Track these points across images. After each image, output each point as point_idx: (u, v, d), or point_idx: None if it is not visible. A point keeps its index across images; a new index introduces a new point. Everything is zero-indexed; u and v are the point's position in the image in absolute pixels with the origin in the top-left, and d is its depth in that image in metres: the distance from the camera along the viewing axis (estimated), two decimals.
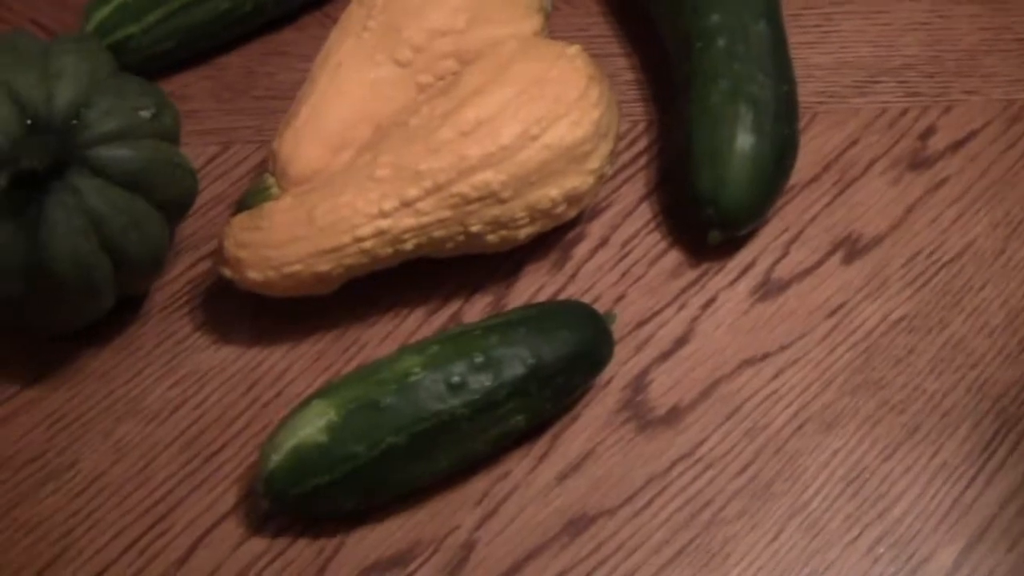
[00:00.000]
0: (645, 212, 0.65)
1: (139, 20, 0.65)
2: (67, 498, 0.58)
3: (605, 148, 0.60)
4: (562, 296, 0.63)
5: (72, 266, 0.55)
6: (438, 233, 0.58)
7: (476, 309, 0.62)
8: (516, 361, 0.56)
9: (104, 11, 0.65)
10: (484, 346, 0.56)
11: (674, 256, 0.64)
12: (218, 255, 0.59)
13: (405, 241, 0.58)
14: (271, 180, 0.60)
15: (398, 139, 0.58)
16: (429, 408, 0.54)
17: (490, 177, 0.57)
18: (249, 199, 0.60)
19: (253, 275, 0.58)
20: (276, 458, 0.55)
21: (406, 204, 0.57)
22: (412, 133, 0.58)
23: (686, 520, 0.56)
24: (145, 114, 0.56)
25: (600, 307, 0.61)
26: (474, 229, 0.58)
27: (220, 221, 0.64)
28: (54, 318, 0.58)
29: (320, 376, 0.61)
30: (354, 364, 0.61)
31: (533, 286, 0.63)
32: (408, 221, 0.57)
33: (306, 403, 0.56)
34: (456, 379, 0.55)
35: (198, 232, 0.64)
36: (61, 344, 0.61)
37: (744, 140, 0.61)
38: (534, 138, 0.57)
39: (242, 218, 0.59)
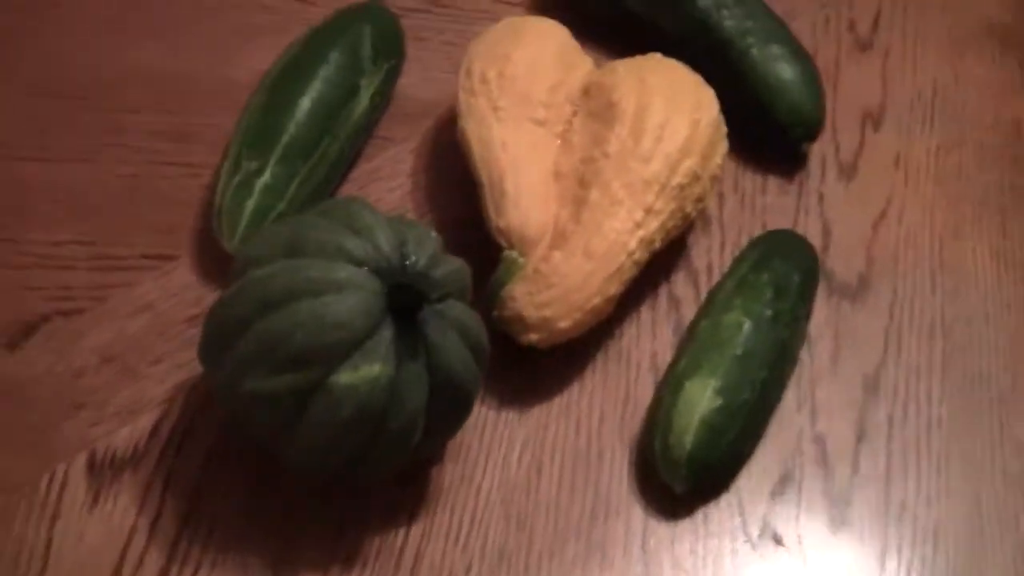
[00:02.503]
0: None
1: (283, 196, 0.71)
2: None
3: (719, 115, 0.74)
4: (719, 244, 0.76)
5: (468, 375, 0.61)
6: (671, 223, 0.69)
7: (681, 279, 0.74)
8: (793, 279, 0.69)
9: (254, 200, 0.70)
10: (767, 281, 0.69)
11: (768, 179, 0.79)
12: (517, 327, 0.67)
13: (655, 241, 0.69)
14: (513, 253, 0.68)
15: (612, 168, 0.68)
16: (779, 307, 0.67)
17: (690, 163, 0.69)
18: (504, 277, 0.68)
19: (563, 324, 0.67)
20: (689, 438, 0.64)
21: (648, 210, 0.68)
22: (620, 158, 0.69)
23: None
24: (435, 235, 0.63)
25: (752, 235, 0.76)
26: (688, 210, 0.70)
27: None
28: (432, 444, 0.64)
29: (619, 391, 0.70)
30: (645, 370, 0.71)
31: (702, 248, 0.76)
32: (654, 223, 0.68)
33: (678, 388, 0.66)
34: (769, 312, 0.68)
35: None
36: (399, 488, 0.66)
37: (792, 70, 0.77)
38: (698, 121, 0.70)
39: (522, 288, 0.67)
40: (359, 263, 0.60)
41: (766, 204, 0.78)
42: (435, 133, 0.79)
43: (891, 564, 0.66)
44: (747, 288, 0.69)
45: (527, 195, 0.69)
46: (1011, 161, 0.81)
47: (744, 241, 0.76)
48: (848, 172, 0.80)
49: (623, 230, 0.67)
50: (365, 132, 0.76)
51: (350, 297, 0.59)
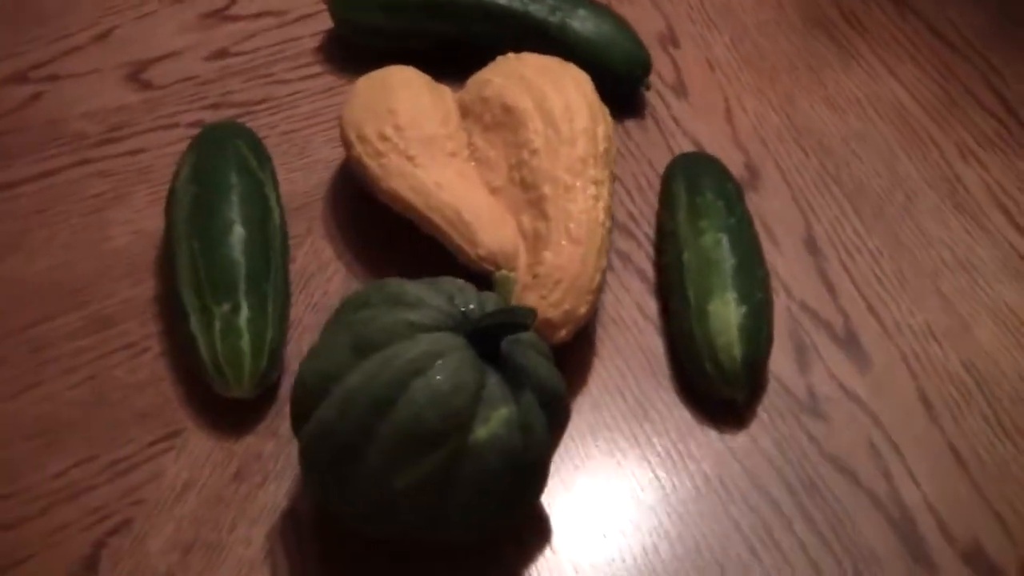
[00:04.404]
0: None
1: (267, 323, 0.70)
2: None
3: None
4: (627, 195, 0.83)
5: (558, 383, 0.65)
6: (611, 186, 0.75)
7: (617, 237, 0.80)
8: (727, 186, 0.77)
9: (246, 337, 0.69)
10: (712, 197, 0.76)
11: (626, 125, 0.86)
12: (546, 331, 0.70)
13: (611, 206, 0.74)
14: (504, 272, 0.72)
15: (547, 161, 0.73)
16: (736, 213, 0.76)
17: (602, 128, 0.75)
18: (506, 295, 0.71)
19: (583, 310, 0.71)
20: (737, 349, 0.71)
21: (596, 182, 0.73)
22: (549, 150, 0.73)
23: None
24: (462, 281, 0.66)
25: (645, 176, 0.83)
26: (614, 170, 0.76)
27: None
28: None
29: (632, 348, 0.75)
30: (642, 322, 0.77)
31: (615, 204, 0.82)
32: (604, 191, 0.74)
33: (703, 315, 0.72)
34: (732, 220, 0.75)
35: None
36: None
37: (607, 24, 0.85)
38: (586, 93, 0.76)
39: (532, 296, 0.70)
40: (432, 330, 0.62)
41: (638, 146, 0.85)
42: (332, 215, 0.81)
43: (917, 368, 0.75)
44: (701, 210, 0.76)
45: (487, 217, 0.73)
46: (788, 29, 0.93)
47: (643, 184, 0.83)
48: (681, 90, 0.88)
49: (589, 207, 0.72)
50: (285, 236, 0.77)
51: (451, 360, 0.61)
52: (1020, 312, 0.78)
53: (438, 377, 0.60)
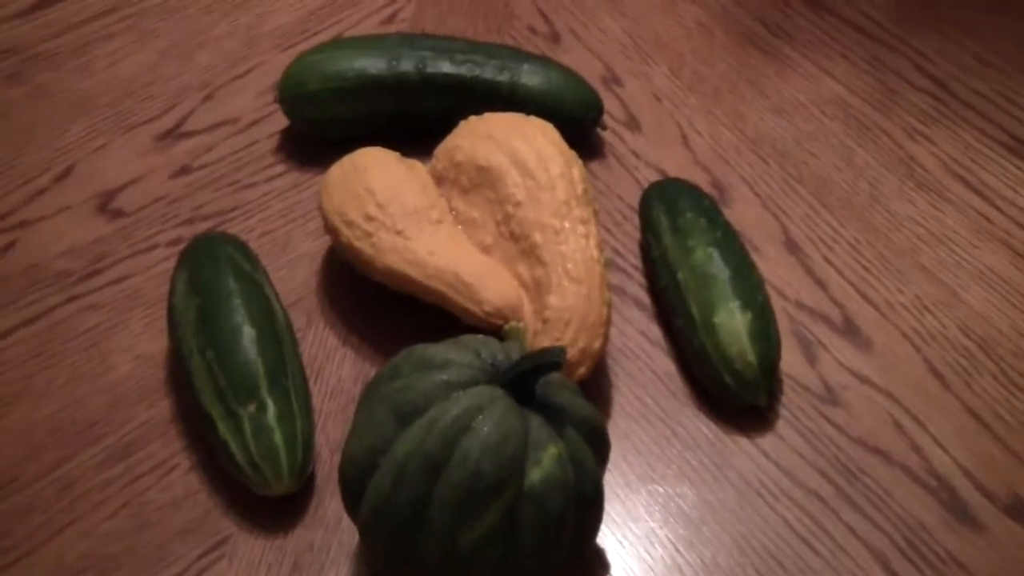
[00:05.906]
0: None
1: (294, 415, 0.71)
2: None
3: None
4: (606, 231, 0.85)
5: (595, 415, 0.66)
6: (596, 223, 0.77)
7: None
8: (704, 203, 0.80)
9: (279, 433, 0.70)
10: (693, 216, 0.79)
11: (590, 167, 0.89)
12: (568, 371, 0.72)
13: (600, 241, 0.76)
14: (513, 323, 0.73)
15: (532, 210, 0.75)
16: (720, 227, 0.79)
17: (576, 169, 0.77)
18: (522, 344, 0.73)
19: (597, 345, 0.73)
20: (751, 356, 0.73)
21: (582, 221, 0.75)
22: (532, 199, 0.75)
23: None
24: (480, 336, 0.68)
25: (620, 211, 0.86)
26: (595, 207, 0.78)
27: None
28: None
29: (647, 376, 0.77)
30: (650, 348, 0.78)
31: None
32: (592, 228, 0.76)
33: (711, 328, 0.74)
34: (719, 233, 0.77)
35: None
36: None
37: (556, 74, 0.87)
38: (554, 140, 0.78)
39: (546, 341, 0.72)
40: (468, 386, 0.63)
41: (606, 184, 0.88)
42: (328, 303, 0.82)
43: (919, 342, 0.78)
44: (686, 231, 0.78)
45: (486, 275, 0.75)
46: (721, 50, 0.96)
47: (618, 219, 0.85)
48: (634, 125, 0.91)
49: (581, 246, 0.74)
50: (292, 331, 0.78)
51: (494, 411, 0.62)
52: (1000, 271, 0.82)
53: (485, 429, 0.62)
